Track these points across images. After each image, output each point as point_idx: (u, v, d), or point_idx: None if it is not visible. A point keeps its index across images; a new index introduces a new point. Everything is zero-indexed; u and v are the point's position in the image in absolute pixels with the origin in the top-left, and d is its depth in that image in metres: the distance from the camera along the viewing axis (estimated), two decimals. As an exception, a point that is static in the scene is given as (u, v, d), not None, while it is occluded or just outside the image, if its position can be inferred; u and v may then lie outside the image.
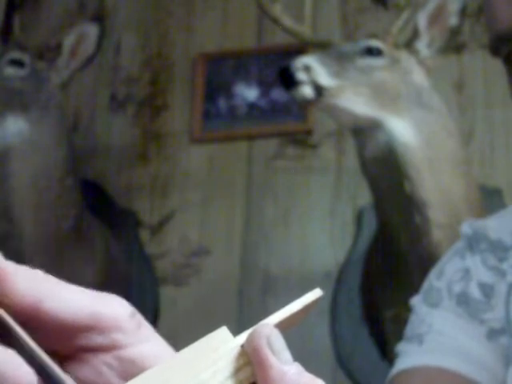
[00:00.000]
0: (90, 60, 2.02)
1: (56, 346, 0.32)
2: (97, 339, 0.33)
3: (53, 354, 0.32)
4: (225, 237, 2.16)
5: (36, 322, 0.32)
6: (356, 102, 1.65)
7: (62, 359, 0.33)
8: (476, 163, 1.99)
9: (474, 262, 0.80)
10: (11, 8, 2.26)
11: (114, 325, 0.34)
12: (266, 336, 0.33)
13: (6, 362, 0.30)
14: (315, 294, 0.36)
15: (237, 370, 0.33)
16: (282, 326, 0.35)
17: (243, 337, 0.34)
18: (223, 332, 0.34)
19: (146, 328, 0.35)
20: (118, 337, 0.34)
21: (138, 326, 0.34)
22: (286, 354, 0.33)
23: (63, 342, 0.33)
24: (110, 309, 0.34)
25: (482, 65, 2.07)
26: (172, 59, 2.36)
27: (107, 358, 0.34)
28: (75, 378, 0.32)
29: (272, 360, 0.33)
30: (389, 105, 1.66)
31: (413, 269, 1.61)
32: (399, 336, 0.82)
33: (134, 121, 2.33)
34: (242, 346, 0.34)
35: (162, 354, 0.35)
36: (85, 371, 0.33)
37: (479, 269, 0.79)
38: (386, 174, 1.65)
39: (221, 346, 0.34)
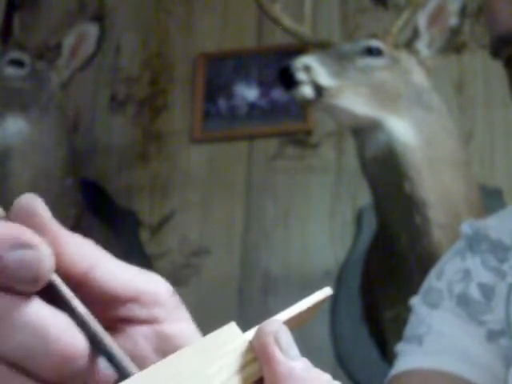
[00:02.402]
0: (89, 60, 2.02)
1: (99, 314, 0.33)
2: (138, 312, 0.35)
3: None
4: (225, 237, 2.16)
5: (84, 288, 0.33)
6: (356, 102, 1.65)
7: (103, 327, 0.33)
8: (476, 163, 1.99)
9: (474, 263, 0.80)
10: (11, 8, 2.26)
11: (155, 300, 0.35)
12: (274, 332, 0.33)
13: (59, 326, 0.31)
14: (325, 292, 0.36)
15: (244, 366, 0.33)
16: (291, 324, 0.35)
17: (251, 332, 0.34)
18: (232, 327, 0.34)
19: (183, 308, 0.36)
20: (157, 312, 0.35)
21: (176, 305, 0.36)
22: (294, 350, 0.33)
23: (106, 311, 0.34)
24: (152, 285, 0.35)
25: (481, 65, 2.07)
26: (172, 59, 2.36)
27: (145, 330, 0.35)
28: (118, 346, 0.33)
29: (279, 356, 0.33)
30: (389, 105, 1.66)
31: (413, 269, 1.61)
32: (399, 336, 0.82)
33: (134, 121, 2.33)
34: (250, 342, 0.34)
35: (193, 334, 0.36)
36: (122, 341, 0.34)
37: (479, 270, 0.79)
38: (385, 174, 1.65)
39: (229, 342, 0.34)
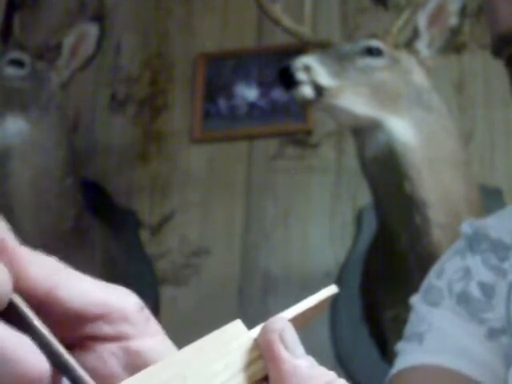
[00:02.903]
0: (89, 60, 2.02)
1: (64, 333, 0.32)
2: (105, 329, 0.34)
3: (60, 341, 0.32)
4: (225, 237, 2.16)
5: (47, 308, 0.32)
6: (356, 102, 1.65)
7: (69, 346, 0.33)
8: (476, 163, 1.99)
9: (474, 262, 0.80)
10: (11, 8, 2.26)
11: (122, 316, 0.34)
12: (279, 330, 0.33)
13: (20, 347, 0.30)
14: (330, 290, 0.36)
15: (249, 363, 0.33)
16: (297, 322, 0.35)
17: (256, 330, 0.34)
18: (237, 325, 0.34)
19: (153, 323, 0.35)
20: (125, 328, 0.34)
21: (146, 320, 0.35)
22: (299, 348, 0.33)
23: (72, 330, 0.33)
24: (120, 300, 0.34)
25: (481, 65, 2.07)
26: (172, 59, 2.36)
27: (113, 347, 0.34)
28: (80, 365, 0.32)
29: (284, 354, 0.33)
30: (389, 105, 1.66)
31: (413, 269, 1.61)
32: (399, 336, 0.82)
33: (134, 121, 2.33)
34: (255, 340, 0.34)
35: (166, 349, 0.35)
36: (90, 359, 0.34)
37: (480, 268, 0.79)
38: (386, 173, 1.65)
39: (234, 339, 0.34)
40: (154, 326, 0.35)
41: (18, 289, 0.31)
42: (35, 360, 0.30)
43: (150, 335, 0.35)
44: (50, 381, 0.31)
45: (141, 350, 0.34)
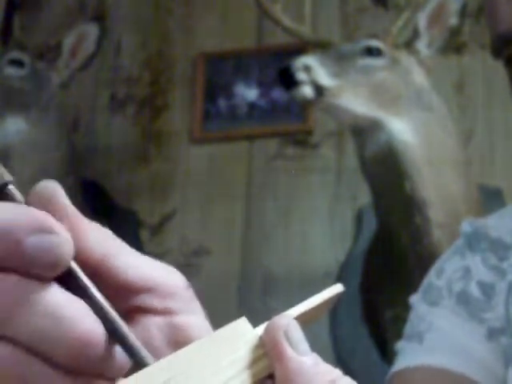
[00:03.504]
0: (89, 60, 2.02)
1: (114, 303, 0.33)
2: (153, 302, 0.35)
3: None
4: (225, 237, 2.16)
5: (101, 276, 0.33)
6: (356, 102, 1.65)
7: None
8: (476, 163, 1.99)
9: (474, 261, 0.80)
10: (11, 8, 2.26)
11: (170, 292, 0.35)
12: (284, 327, 0.34)
13: (76, 311, 0.31)
14: (336, 288, 0.37)
15: (255, 361, 0.34)
16: (302, 320, 0.35)
17: (262, 328, 0.34)
18: (243, 322, 0.34)
19: (197, 302, 0.36)
20: (172, 304, 0.35)
21: (191, 298, 0.36)
22: (304, 345, 0.33)
23: (122, 300, 0.34)
24: (168, 277, 0.35)
25: (481, 65, 2.07)
26: (172, 59, 2.36)
27: (159, 321, 0.35)
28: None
29: (289, 351, 0.33)
30: (389, 105, 1.66)
31: (413, 269, 1.61)
32: (399, 336, 0.82)
33: (134, 121, 2.33)
34: (261, 337, 0.34)
35: (206, 328, 0.36)
36: (136, 331, 0.34)
37: (479, 268, 0.79)
38: (385, 173, 1.65)
39: (240, 337, 0.34)
40: (197, 304, 0.36)
41: (75, 255, 0.32)
42: (90, 324, 0.31)
43: (194, 313, 0.36)
44: (104, 346, 0.31)
45: (185, 326, 0.35)
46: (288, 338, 0.33)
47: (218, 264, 2.14)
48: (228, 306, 2.06)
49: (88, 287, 0.32)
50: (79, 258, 0.32)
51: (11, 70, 1.93)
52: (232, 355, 0.33)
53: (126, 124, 2.33)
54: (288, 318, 0.34)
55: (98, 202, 2.18)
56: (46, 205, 0.32)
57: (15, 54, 1.96)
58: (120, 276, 0.34)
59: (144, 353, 0.32)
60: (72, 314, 0.30)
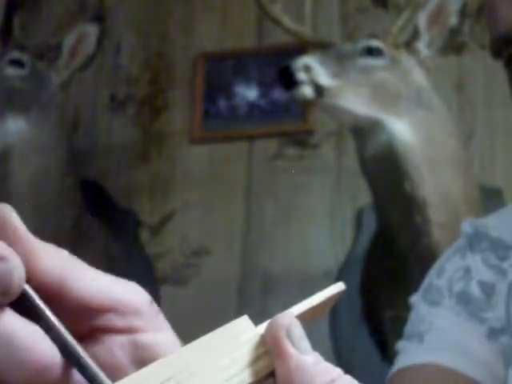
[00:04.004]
0: (90, 60, 2.02)
1: (74, 325, 0.32)
2: (115, 321, 0.34)
3: (69, 332, 0.32)
4: (225, 237, 2.16)
5: (57, 299, 0.33)
6: (356, 102, 1.65)
7: (79, 338, 0.33)
8: (476, 163, 1.99)
9: (474, 261, 0.80)
10: (11, 8, 2.26)
11: (132, 309, 0.34)
12: (286, 326, 0.33)
13: (30, 335, 0.30)
14: (338, 287, 0.37)
15: (256, 359, 0.33)
16: (304, 318, 0.35)
17: (263, 326, 0.34)
18: (244, 321, 0.34)
19: (162, 318, 0.36)
20: (135, 321, 0.34)
21: (155, 314, 0.35)
22: (305, 344, 0.33)
23: (81, 321, 0.33)
24: (129, 294, 0.35)
25: (481, 65, 2.07)
26: (172, 59, 2.36)
27: (122, 340, 0.34)
28: (89, 357, 0.32)
29: (290, 350, 0.33)
30: (389, 105, 1.66)
31: (413, 269, 1.61)
32: (399, 336, 0.82)
33: (134, 121, 2.33)
34: (262, 335, 0.34)
35: (172, 344, 0.35)
36: (99, 351, 0.34)
37: (480, 268, 0.79)
38: (386, 173, 1.65)
39: (241, 335, 0.34)
40: (162, 320, 0.36)
41: (30, 280, 0.31)
42: (45, 349, 0.30)
43: (158, 329, 0.35)
44: (60, 371, 0.31)
45: (149, 344, 0.34)
46: (289, 337, 0.33)
47: (217, 264, 2.13)
48: (228, 306, 2.06)
49: (42, 311, 0.31)
50: (36, 281, 0.32)
51: (11, 70, 1.94)
52: (233, 353, 0.33)
53: (126, 124, 2.33)
54: (289, 317, 0.34)
55: (97, 202, 2.18)
56: None
57: (15, 54, 1.96)
58: (79, 297, 0.33)
59: (102, 377, 0.31)
60: (26, 340, 0.30)
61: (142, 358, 0.34)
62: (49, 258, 0.32)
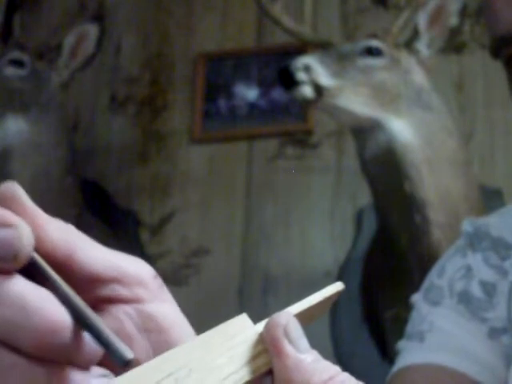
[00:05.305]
0: (90, 60, 2.02)
1: (81, 295, 0.33)
2: (121, 291, 0.35)
3: None
4: (225, 237, 2.16)
5: (68, 269, 0.33)
6: (356, 102, 1.65)
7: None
8: (476, 163, 1.99)
9: (475, 260, 0.80)
10: (11, 8, 2.26)
11: (137, 280, 0.35)
12: (284, 324, 0.34)
13: (40, 299, 0.31)
14: (336, 286, 0.37)
15: (254, 357, 0.34)
16: (302, 317, 0.35)
17: (262, 324, 0.35)
18: (243, 319, 0.35)
19: (166, 290, 0.37)
20: (140, 292, 0.35)
21: (159, 287, 0.36)
22: (303, 343, 0.34)
23: (88, 292, 0.34)
24: (134, 266, 0.36)
25: (481, 65, 2.07)
26: (172, 59, 2.36)
27: (129, 309, 0.35)
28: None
29: (288, 348, 0.33)
30: (389, 105, 1.66)
31: (413, 269, 1.61)
32: (399, 336, 0.82)
33: (134, 121, 2.33)
34: (261, 334, 0.34)
35: (176, 315, 0.37)
36: (107, 320, 0.34)
37: (481, 267, 0.79)
38: (385, 173, 1.65)
39: (239, 333, 0.34)
40: (166, 293, 0.37)
41: (38, 250, 0.32)
42: (56, 310, 0.31)
43: (163, 301, 0.36)
44: (71, 333, 0.31)
45: (154, 314, 0.35)
46: (287, 335, 0.33)
47: (217, 264, 2.14)
48: (228, 306, 2.06)
49: (52, 276, 0.32)
50: (44, 253, 0.33)
51: (11, 70, 1.93)
52: (232, 351, 0.33)
53: (126, 124, 2.33)
54: (288, 315, 0.34)
55: (98, 202, 2.18)
56: (8, 203, 0.32)
57: (15, 54, 1.96)
58: (86, 268, 0.34)
59: (114, 338, 0.32)
60: (35, 301, 0.31)
61: (148, 327, 0.35)
62: (56, 231, 0.34)
